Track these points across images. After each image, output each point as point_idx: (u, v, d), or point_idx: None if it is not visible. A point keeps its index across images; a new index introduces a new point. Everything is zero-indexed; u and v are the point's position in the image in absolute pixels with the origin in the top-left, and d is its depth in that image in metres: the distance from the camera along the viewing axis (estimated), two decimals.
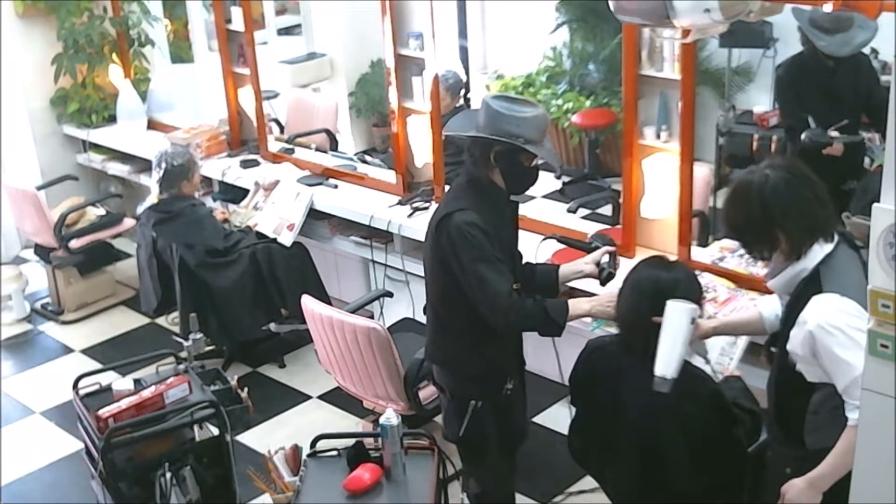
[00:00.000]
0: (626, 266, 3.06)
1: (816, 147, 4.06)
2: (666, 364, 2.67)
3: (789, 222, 2.44)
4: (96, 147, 6.27)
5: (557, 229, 4.15)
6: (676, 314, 2.69)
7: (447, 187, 4.57)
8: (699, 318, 2.76)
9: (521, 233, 3.26)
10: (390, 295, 4.41)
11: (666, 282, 2.80)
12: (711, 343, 3.09)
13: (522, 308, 2.95)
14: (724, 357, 3.20)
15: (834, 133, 4.06)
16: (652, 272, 2.85)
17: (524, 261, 3.29)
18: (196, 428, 3.45)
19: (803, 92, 4.26)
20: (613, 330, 3.09)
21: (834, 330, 2.38)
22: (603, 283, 3.21)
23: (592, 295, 3.86)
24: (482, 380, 3.16)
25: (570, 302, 3.05)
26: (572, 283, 3.35)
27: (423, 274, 3.25)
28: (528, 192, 3.95)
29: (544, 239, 3.46)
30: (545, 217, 4.30)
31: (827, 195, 2.51)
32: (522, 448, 3.36)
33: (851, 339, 2.37)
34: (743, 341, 3.26)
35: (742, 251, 3.42)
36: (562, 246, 3.51)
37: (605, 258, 3.21)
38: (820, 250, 2.47)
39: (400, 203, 4.75)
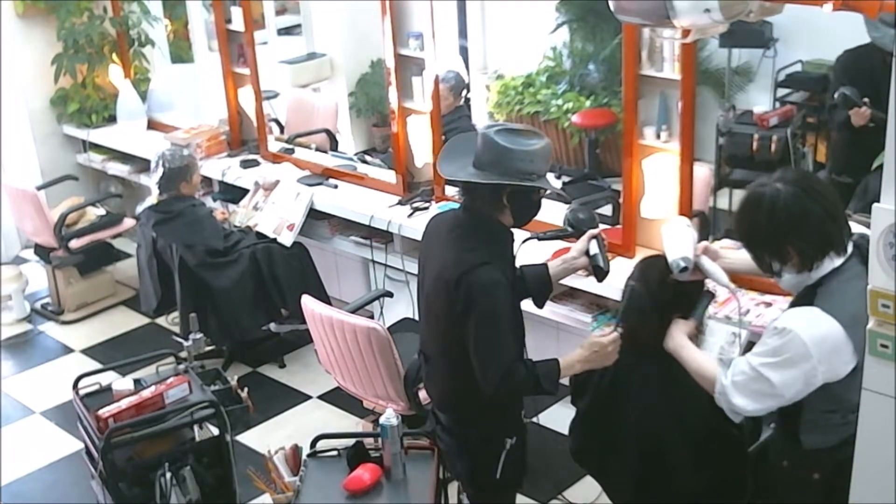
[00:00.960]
0: (627, 266, 3.05)
1: (848, 105, 4.00)
2: (675, 250, 2.73)
3: (799, 238, 2.43)
4: (96, 147, 6.27)
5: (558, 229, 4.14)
6: (669, 224, 2.81)
7: (447, 188, 4.57)
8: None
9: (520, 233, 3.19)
10: (390, 295, 4.41)
11: (665, 278, 2.81)
12: (712, 342, 3.08)
13: (516, 375, 2.78)
14: (723, 356, 3.19)
15: (866, 100, 4.01)
16: (655, 272, 2.85)
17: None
18: (196, 428, 3.45)
19: (857, 82, 4.23)
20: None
21: (781, 339, 2.40)
22: (599, 280, 3.12)
23: (586, 293, 3.89)
24: (511, 415, 3.03)
25: (561, 362, 2.88)
26: (571, 282, 3.29)
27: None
28: None
29: (525, 241, 3.21)
30: (545, 217, 4.26)
31: (839, 209, 2.50)
32: None
33: (776, 357, 2.40)
34: (743, 340, 3.25)
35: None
36: (565, 245, 3.47)
37: (593, 246, 3.06)
38: (829, 263, 2.46)
39: (400, 203, 4.75)
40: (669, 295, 2.80)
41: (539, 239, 3.27)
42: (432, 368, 3.09)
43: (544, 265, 3.16)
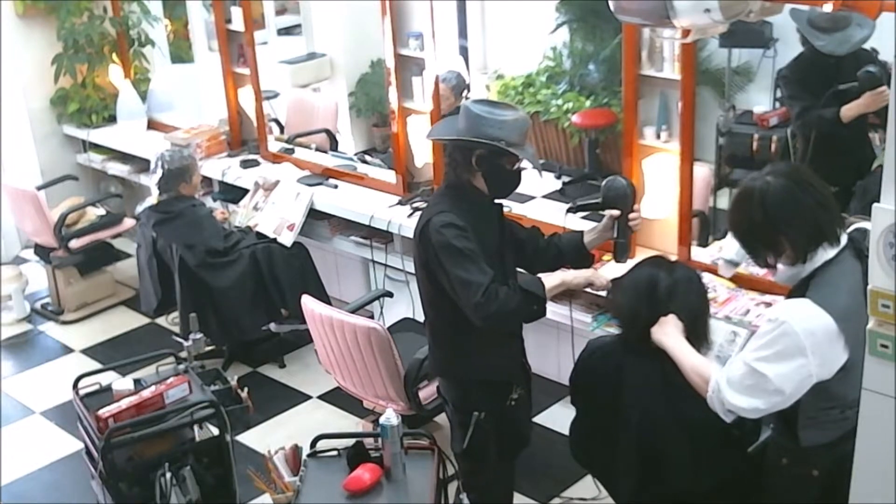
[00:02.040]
0: (627, 266, 3.05)
1: (873, 84, 3.98)
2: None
3: (792, 229, 2.43)
4: (96, 147, 6.27)
5: (558, 229, 4.15)
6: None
7: None
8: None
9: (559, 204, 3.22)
10: (390, 295, 4.41)
11: (663, 280, 2.81)
12: (711, 340, 3.08)
13: (498, 294, 2.86)
14: (721, 354, 3.20)
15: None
16: (650, 271, 2.85)
17: (546, 235, 3.26)
18: (196, 428, 3.45)
19: (811, 88, 4.23)
20: (614, 330, 3.09)
21: (774, 330, 2.40)
22: (617, 259, 3.15)
23: (586, 293, 3.89)
24: (486, 389, 3.11)
25: (542, 276, 3.04)
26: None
27: None
28: (529, 192, 3.95)
29: (568, 210, 3.32)
30: (545, 217, 4.29)
31: (831, 200, 2.49)
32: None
33: (769, 350, 2.40)
34: (741, 339, 3.25)
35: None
36: None
37: (615, 226, 3.12)
38: (823, 255, 2.45)
39: (400, 203, 4.75)
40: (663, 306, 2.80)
41: (573, 211, 3.31)
42: (428, 339, 3.25)
43: (580, 233, 3.22)
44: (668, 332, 2.74)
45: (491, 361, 3.09)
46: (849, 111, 3.98)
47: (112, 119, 6.30)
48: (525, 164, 2.99)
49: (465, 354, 3.08)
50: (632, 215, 3.13)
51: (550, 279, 3.04)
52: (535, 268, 3.24)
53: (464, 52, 6.06)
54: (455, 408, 3.20)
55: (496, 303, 2.85)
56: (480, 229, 2.96)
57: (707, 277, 3.64)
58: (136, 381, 3.48)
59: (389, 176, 4.93)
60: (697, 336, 2.83)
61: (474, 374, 3.11)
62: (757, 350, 2.44)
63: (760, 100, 5.40)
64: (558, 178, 6.00)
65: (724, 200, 4.82)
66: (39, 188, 5.63)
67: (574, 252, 3.21)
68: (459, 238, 2.88)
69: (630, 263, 3.06)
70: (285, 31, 6.64)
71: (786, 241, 2.45)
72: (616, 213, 3.12)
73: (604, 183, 3.20)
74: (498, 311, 2.87)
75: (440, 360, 3.21)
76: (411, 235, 4.48)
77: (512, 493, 3.42)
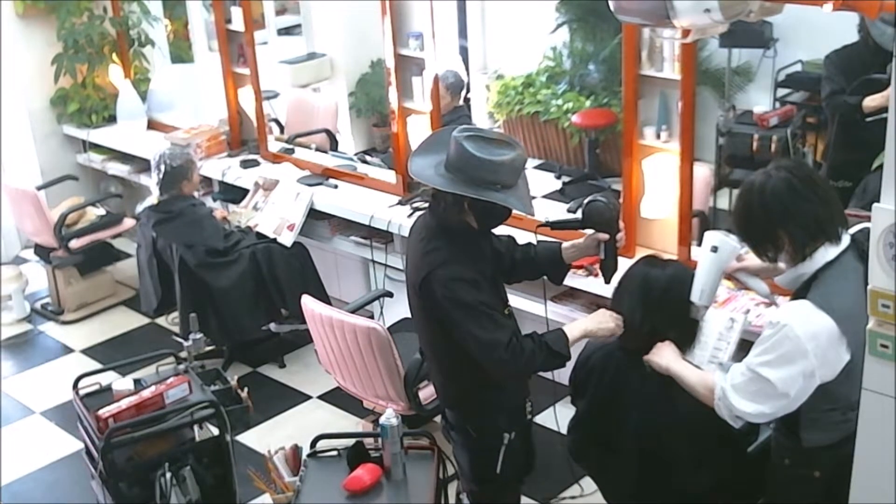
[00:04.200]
0: (626, 266, 3.05)
1: (874, 89, 3.93)
2: (696, 290, 2.73)
3: (790, 224, 2.43)
4: (96, 147, 6.27)
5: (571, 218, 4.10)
6: (704, 243, 2.76)
7: None
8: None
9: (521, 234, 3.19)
10: (390, 295, 4.41)
11: (658, 279, 2.80)
12: (710, 329, 3.08)
13: (524, 351, 2.78)
14: (721, 342, 3.19)
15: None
16: (644, 270, 2.85)
17: (523, 243, 3.17)
18: (196, 428, 3.45)
19: (847, 74, 4.21)
20: None
21: (776, 334, 2.40)
22: (606, 280, 3.10)
23: (586, 293, 3.89)
24: (510, 410, 3.03)
25: (566, 328, 2.91)
26: (571, 282, 3.29)
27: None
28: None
29: (538, 227, 3.19)
30: (545, 217, 4.28)
31: (833, 197, 2.49)
32: None
33: (771, 355, 2.40)
34: (739, 325, 3.25)
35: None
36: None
37: (602, 250, 3.05)
38: (823, 255, 2.45)
39: (400, 203, 4.75)
40: (659, 305, 2.80)
41: (552, 227, 3.20)
42: (429, 366, 3.15)
43: (557, 245, 3.14)
44: (667, 357, 2.74)
45: (511, 386, 3.00)
46: (872, 101, 3.97)
47: (112, 119, 6.30)
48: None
49: (485, 385, 2.93)
50: (618, 235, 3.05)
51: (573, 330, 2.90)
52: (512, 279, 3.17)
53: (464, 52, 6.06)
54: (479, 435, 3.04)
55: (521, 360, 2.78)
56: (477, 262, 2.86)
57: None
58: (136, 381, 3.49)
59: (389, 176, 4.93)
60: (691, 335, 2.84)
61: (500, 400, 3.00)
62: (760, 355, 2.43)
63: (760, 100, 5.41)
64: (558, 178, 6.00)
65: (724, 200, 4.83)
66: (39, 188, 5.63)
67: (552, 265, 3.14)
68: (471, 292, 2.76)
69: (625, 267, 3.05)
70: (285, 31, 6.64)
71: (784, 234, 2.45)
72: (604, 237, 3.02)
73: (585, 203, 3.09)
74: (522, 369, 2.83)
75: (457, 392, 3.05)
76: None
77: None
